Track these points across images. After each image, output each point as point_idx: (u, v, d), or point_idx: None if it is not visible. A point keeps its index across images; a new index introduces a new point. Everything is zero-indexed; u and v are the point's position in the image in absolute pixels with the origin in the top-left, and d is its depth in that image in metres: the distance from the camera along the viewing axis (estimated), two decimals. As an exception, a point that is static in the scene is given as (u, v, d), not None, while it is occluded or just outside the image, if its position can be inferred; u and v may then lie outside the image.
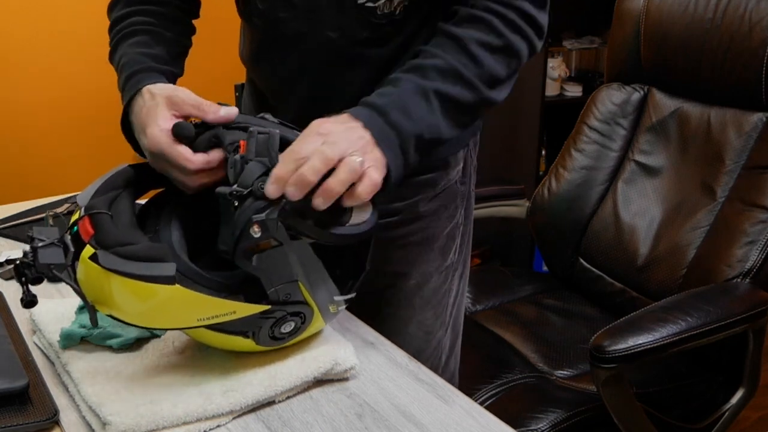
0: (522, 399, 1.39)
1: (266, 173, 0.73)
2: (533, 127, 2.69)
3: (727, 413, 1.43)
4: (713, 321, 1.27)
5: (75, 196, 1.32)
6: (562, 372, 1.48)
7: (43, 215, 1.27)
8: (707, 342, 1.28)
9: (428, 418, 0.77)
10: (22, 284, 0.74)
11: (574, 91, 2.85)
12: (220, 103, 0.81)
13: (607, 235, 1.69)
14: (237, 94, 2.57)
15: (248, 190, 0.72)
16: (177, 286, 0.70)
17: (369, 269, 0.85)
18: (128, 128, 0.89)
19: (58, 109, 2.41)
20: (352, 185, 0.74)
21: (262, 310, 0.76)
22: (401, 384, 0.83)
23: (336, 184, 0.72)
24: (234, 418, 0.77)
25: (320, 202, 0.72)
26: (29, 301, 0.74)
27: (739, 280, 1.40)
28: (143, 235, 0.77)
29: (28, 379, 0.77)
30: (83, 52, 2.37)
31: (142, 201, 0.86)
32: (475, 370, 1.47)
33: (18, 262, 0.73)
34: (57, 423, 0.75)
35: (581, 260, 1.75)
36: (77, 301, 0.91)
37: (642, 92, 1.73)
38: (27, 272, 0.73)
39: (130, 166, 0.83)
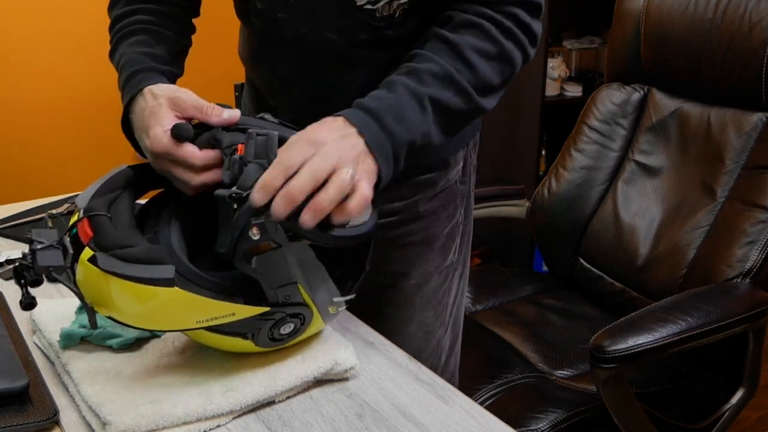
0: (522, 399, 1.39)
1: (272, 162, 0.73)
2: (533, 127, 2.69)
3: (727, 413, 1.43)
4: (713, 321, 1.28)
5: (75, 196, 1.32)
6: (562, 372, 1.48)
7: (43, 215, 1.28)
8: (707, 342, 1.28)
9: (428, 418, 0.77)
10: (21, 286, 0.74)
11: (574, 91, 2.85)
12: (222, 105, 0.81)
13: (607, 235, 1.69)
14: (237, 94, 2.57)
15: (247, 192, 0.72)
16: (176, 288, 0.70)
17: (369, 270, 0.85)
18: (128, 128, 0.89)
19: (58, 109, 2.41)
20: (344, 199, 0.73)
21: (261, 312, 0.76)
22: (401, 384, 0.83)
23: (325, 201, 0.72)
24: (234, 418, 0.77)
25: (308, 219, 0.71)
26: (28, 303, 0.74)
27: (739, 280, 1.40)
28: (142, 237, 0.76)
29: (28, 379, 0.77)
30: (83, 52, 2.37)
31: (142, 201, 0.86)
32: (475, 370, 1.47)
33: (17, 264, 0.73)
34: (57, 423, 0.75)
35: (581, 260, 1.75)
36: (77, 301, 0.91)
37: (642, 92, 1.73)
38: (26, 274, 0.73)
39: (129, 166, 0.83)
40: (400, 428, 0.76)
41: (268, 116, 0.83)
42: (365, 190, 0.74)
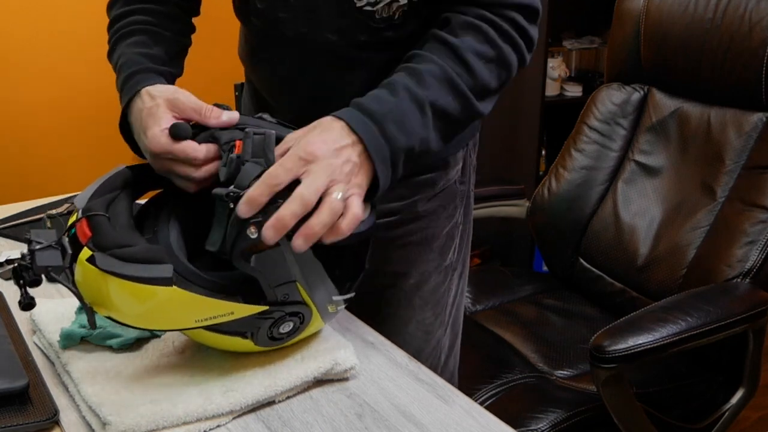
0: (522, 399, 1.39)
1: (262, 175, 0.73)
2: (533, 127, 2.69)
3: (727, 413, 1.43)
4: (713, 321, 1.28)
5: (75, 196, 1.32)
6: (562, 372, 1.48)
7: (43, 215, 1.28)
8: (707, 342, 1.28)
9: (428, 418, 0.77)
10: (20, 287, 0.74)
11: (574, 91, 2.85)
12: (220, 105, 0.81)
13: (607, 235, 1.69)
14: (237, 93, 2.57)
15: (244, 191, 0.72)
16: (174, 287, 0.70)
17: (368, 269, 0.85)
18: (126, 129, 0.89)
19: (58, 109, 2.41)
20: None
21: (260, 311, 0.76)
22: (401, 384, 0.83)
23: (317, 225, 0.71)
24: (234, 418, 0.77)
25: (300, 244, 0.71)
26: (27, 304, 0.74)
27: (739, 280, 1.40)
28: (141, 237, 0.77)
29: (28, 379, 0.77)
30: (83, 52, 2.37)
31: (141, 201, 0.86)
32: (475, 370, 1.47)
33: (16, 264, 0.73)
34: (57, 423, 0.75)
35: (581, 260, 1.75)
36: (77, 301, 0.90)
37: (642, 92, 1.73)
38: (25, 275, 0.73)
39: (127, 167, 0.83)
40: (400, 428, 0.76)
41: (266, 116, 0.83)
42: (357, 209, 0.74)
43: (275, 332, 0.79)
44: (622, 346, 1.18)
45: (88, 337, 0.86)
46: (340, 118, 0.78)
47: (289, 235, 0.73)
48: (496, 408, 1.31)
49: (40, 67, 2.34)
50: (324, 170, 0.73)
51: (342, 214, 0.73)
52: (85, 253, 0.71)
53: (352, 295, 0.84)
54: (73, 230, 0.74)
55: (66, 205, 1.33)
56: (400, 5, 0.90)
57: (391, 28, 0.92)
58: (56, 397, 0.78)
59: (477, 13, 0.86)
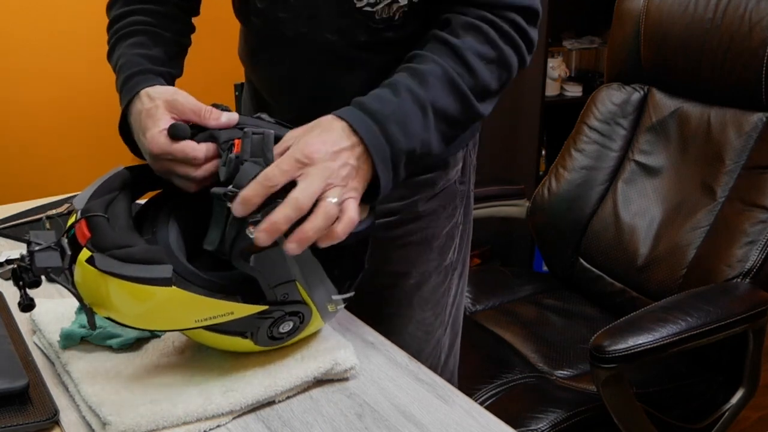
0: (522, 399, 1.39)
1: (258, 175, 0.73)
2: (533, 127, 2.69)
3: (727, 413, 1.43)
4: (713, 321, 1.28)
5: (75, 196, 1.32)
6: (562, 372, 1.48)
7: (44, 215, 1.28)
8: (707, 342, 1.28)
9: (428, 418, 0.77)
10: (19, 288, 0.74)
11: (574, 91, 2.85)
12: (218, 106, 0.81)
13: (607, 235, 1.69)
14: (237, 93, 2.57)
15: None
16: (174, 287, 0.70)
17: (367, 268, 0.85)
18: (125, 131, 0.89)
19: (58, 109, 2.41)
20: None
21: (260, 311, 0.76)
22: (401, 384, 0.83)
23: (311, 230, 0.71)
24: (234, 418, 0.77)
25: (294, 248, 0.71)
26: (27, 305, 0.74)
27: (739, 280, 1.40)
28: (140, 238, 0.76)
29: (28, 379, 0.77)
30: (83, 52, 2.37)
31: (141, 201, 0.86)
32: (475, 370, 1.47)
33: (15, 266, 0.73)
34: (57, 423, 0.75)
35: (581, 260, 1.75)
36: (77, 301, 0.91)
37: (642, 92, 1.73)
38: (24, 276, 0.73)
39: (126, 168, 0.83)
40: (400, 428, 0.76)
41: (264, 116, 0.83)
42: (352, 213, 0.73)
43: (275, 332, 0.79)
44: (622, 346, 1.18)
45: (88, 337, 0.86)
46: (341, 118, 0.78)
47: (288, 235, 0.73)
48: (496, 408, 1.31)
49: (40, 67, 2.34)
50: (321, 174, 0.72)
51: (338, 218, 0.73)
52: (85, 254, 0.71)
53: (351, 294, 0.84)
54: (72, 231, 0.74)
55: (66, 205, 1.33)
56: (401, 6, 0.90)
57: (391, 29, 0.91)
58: (56, 397, 0.78)
59: (477, 14, 0.86)
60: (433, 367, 1.10)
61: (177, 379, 0.80)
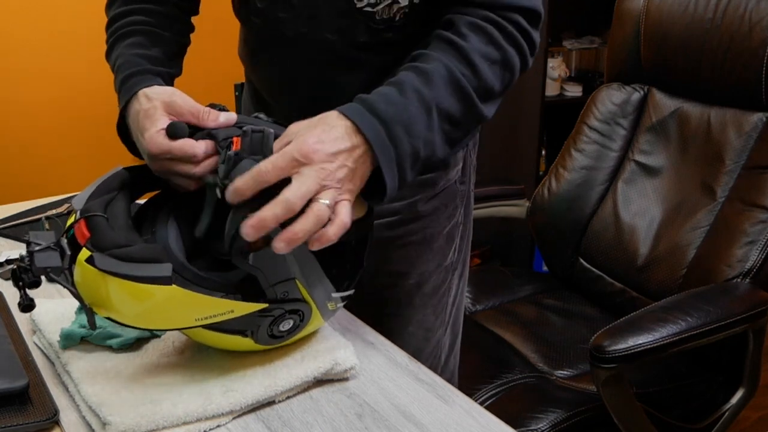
0: (522, 399, 1.39)
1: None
2: (533, 127, 2.69)
3: (727, 413, 1.43)
4: (713, 321, 1.28)
5: (74, 196, 1.32)
6: (562, 372, 1.48)
7: (44, 215, 1.28)
8: (707, 342, 1.28)
9: (428, 418, 0.77)
10: (19, 288, 0.74)
11: (574, 91, 2.85)
12: (215, 105, 0.81)
13: (607, 235, 1.69)
14: (237, 93, 2.57)
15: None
16: (174, 286, 0.70)
17: (366, 266, 0.85)
18: (124, 131, 0.89)
19: (58, 109, 2.41)
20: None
21: (260, 309, 0.76)
22: (401, 384, 0.83)
23: (300, 231, 0.70)
24: (234, 418, 0.77)
25: (282, 247, 0.70)
26: (27, 306, 0.74)
27: (739, 280, 1.40)
28: (139, 237, 0.77)
29: (28, 379, 0.77)
30: (83, 52, 2.37)
31: (140, 201, 0.86)
32: (475, 370, 1.47)
33: (15, 266, 0.73)
34: (57, 423, 0.75)
35: (581, 260, 1.75)
36: (77, 301, 0.91)
37: (642, 92, 1.73)
38: (24, 276, 0.73)
39: (124, 168, 0.83)
40: (400, 428, 0.76)
41: (262, 116, 0.83)
42: (344, 216, 0.73)
43: (275, 330, 0.79)
44: (622, 346, 1.18)
45: (88, 337, 0.86)
46: (347, 117, 0.77)
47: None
48: (496, 408, 1.31)
49: (39, 67, 2.34)
50: (315, 174, 0.72)
51: (330, 220, 0.72)
52: (84, 253, 0.71)
53: (351, 292, 0.84)
54: (71, 231, 0.74)
55: (66, 205, 1.33)
56: (401, 7, 0.90)
57: (391, 30, 0.91)
58: (56, 397, 0.78)
59: (481, 14, 0.85)
60: (434, 367, 1.10)
61: (177, 379, 0.80)
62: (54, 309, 0.92)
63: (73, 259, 0.72)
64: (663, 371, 1.46)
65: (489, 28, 0.85)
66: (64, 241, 0.74)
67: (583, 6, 2.90)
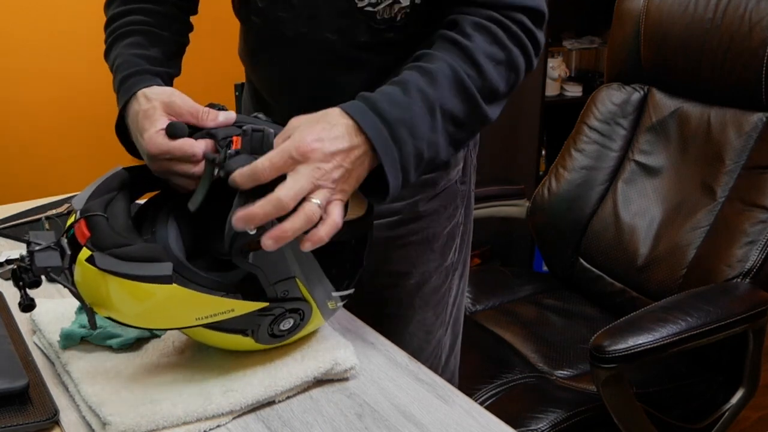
0: (522, 399, 1.39)
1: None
2: (533, 127, 2.69)
3: (727, 413, 1.43)
4: (713, 321, 1.28)
5: (74, 195, 1.33)
6: (562, 372, 1.48)
7: (44, 215, 1.28)
8: (707, 342, 1.28)
9: (428, 418, 0.77)
10: (19, 288, 0.74)
11: (574, 91, 2.85)
12: (214, 105, 0.81)
13: (607, 235, 1.69)
14: (237, 93, 2.57)
15: (233, 161, 0.72)
16: (174, 285, 0.70)
17: (367, 266, 0.85)
18: (123, 131, 0.89)
19: (58, 109, 2.41)
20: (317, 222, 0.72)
21: (260, 307, 0.76)
22: (401, 384, 0.83)
23: (290, 230, 0.70)
24: (234, 418, 0.77)
25: (270, 244, 0.70)
26: (27, 306, 0.74)
27: (739, 280, 1.40)
28: (139, 237, 0.77)
29: (28, 379, 0.77)
30: (83, 51, 2.37)
31: (141, 201, 0.86)
32: (475, 370, 1.47)
33: (15, 266, 0.73)
34: (57, 423, 0.75)
35: (581, 260, 1.75)
36: (77, 301, 0.91)
37: (642, 92, 1.73)
38: (24, 276, 0.73)
39: (124, 168, 0.83)
40: (400, 428, 0.76)
41: (261, 116, 0.83)
42: (336, 216, 0.72)
43: (276, 329, 0.79)
44: (622, 346, 1.18)
45: (88, 337, 0.86)
46: (349, 116, 0.76)
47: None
48: (496, 408, 1.31)
49: (39, 67, 2.34)
50: (310, 174, 0.72)
51: (321, 220, 0.72)
52: (84, 253, 0.71)
53: (351, 291, 0.84)
54: (71, 231, 0.74)
55: (66, 205, 1.33)
56: (402, 7, 0.90)
57: (392, 30, 0.91)
58: (56, 397, 0.78)
59: (485, 14, 0.85)
60: (434, 368, 1.10)
61: (177, 379, 0.80)
62: (54, 309, 0.92)
63: (73, 258, 0.72)
64: (663, 371, 1.46)
65: (493, 28, 0.84)
66: (65, 241, 0.74)
67: (583, 6, 2.90)
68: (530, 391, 1.41)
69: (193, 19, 1.04)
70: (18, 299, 0.75)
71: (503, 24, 0.85)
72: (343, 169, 0.74)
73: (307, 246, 0.71)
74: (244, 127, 0.75)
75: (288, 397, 0.80)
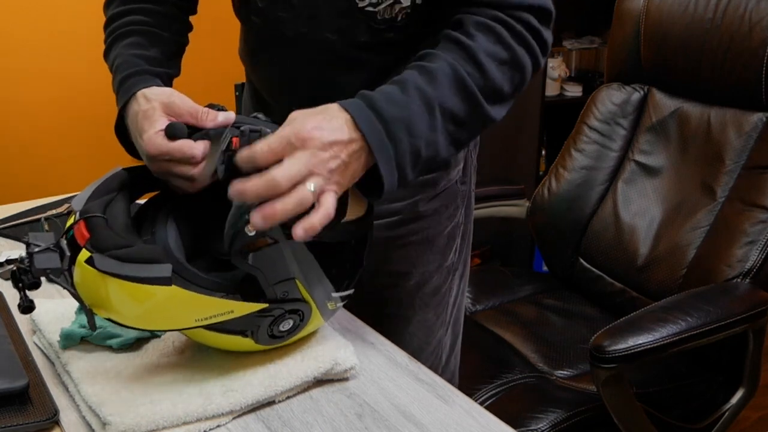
0: (522, 399, 1.39)
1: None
2: (533, 127, 2.69)
3: (727, 413, 1.43)
4: (713, 321, 1.28)
5: (75, 196, 1.33)
6: (562, 372, 1.48)
7: (44, 215, 1.28)
8: (707, 342, 1.28)
9: (428, 418, 0.77)
10: (19, 290, 0.74)
11: (574, 91, 2.85)
12: (214, 106, 0.81)
13: (607, 235, 1.69)
14: (237, 93, 2.57)
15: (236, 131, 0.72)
16: (174, 286, 0.70)
17: (367, 266, 0.85)
18: (122, 131, 0.89)
19: (58, 109, 2.41)
20: (311, 208, 0.71)
21: (260, 309, 0.76)
22: (401, 384, 0.83)
23: (279, 210, 0.69)
24: (234, 418, 0.77)
25: (258, 222, 0.69)
26: (26, 307, 0.74)
27: (739, 280, 1.40)
28: (139, 238, 0.77)
29: (28, 379, 0.77)
30: (83, 51, 2.37)
31: (141, 201, 0.86)
32: (475, 370, 1.47)
33: (14, 268, 0.73)
34: (57, 423, 0.75)
35: (581, 260, 1.75)
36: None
37: (642, 92, 1.73)
38: (24, 278, 0.73)
39: (124, 169, 0.83)
40: (400, 428, 0.76)
41: (260, 116, 0.83)
42: (329, 206, 0.72)
43: (275, 330, 0.79)
44: (622, 346, 1.18)
45: (88, 337, 0.86)
46: (347, 110, 0.76)
47: (287, 233, 0.73)
48: (496, 408, 1.31)
49: (40, 67, 2.34)
50: (307, 159, 0.71)
51: (314, 208, 0.71)
52: (84, 254, 0.71)
53: (351, 291, 0.84)
54: (71, 232, 0.74)
55: (65, 206, 1.33)
56: (403, 7, 0.89)
57: (392, 30, 0.91)
58: (56, 397, 0.78)
59: (490, 14, 0.85)
60: (434, 368, 1.10)
61: (177, 379, 0.80)
62: (54, 309, 0.92)
63: (72, 260, 0.72)
64: (663, 371, 1.46)
65: (497, 27, 0.84)
66: (64, 242, 0.73)
67: (583, 6, 2.90)
68: (530, 391, 1.41)
69: (193, 19, 1.04)
70: (18, 299, 0.75)
71: (507, 24, 0.84)
72: (339, 161, 0.74)
73: (299, 233, 0.70)
74: (242, 128, 0.75)
75: (288, 397, 0.80)
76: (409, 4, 0.89)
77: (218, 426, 0.75)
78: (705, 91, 1.60)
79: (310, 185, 0.71)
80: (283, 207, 0.69)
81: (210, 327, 0.75)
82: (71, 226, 0.74)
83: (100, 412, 0.74)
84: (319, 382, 0.82)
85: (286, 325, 0.80)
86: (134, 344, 0.86)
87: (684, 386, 1.45)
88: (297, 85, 0.98)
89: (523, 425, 1.30)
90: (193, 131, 0.80)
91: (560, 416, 1.32)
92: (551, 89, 2.79)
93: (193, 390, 0.77)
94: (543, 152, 2.81)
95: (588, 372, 1.42)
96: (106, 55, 0.96)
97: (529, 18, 0.85)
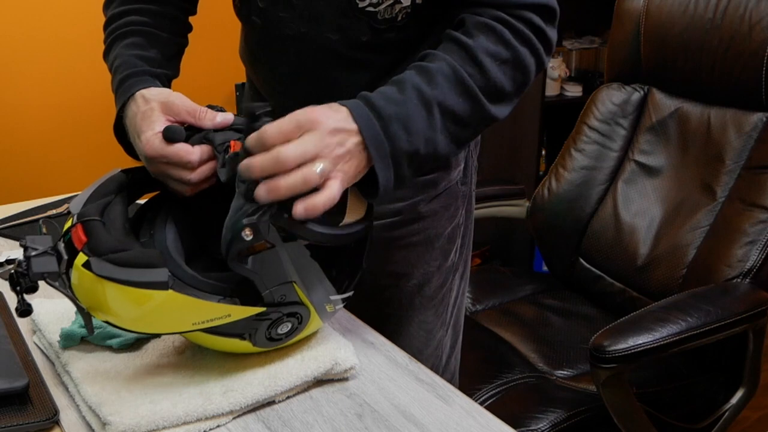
0: (522, 399, 1.39)
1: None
2: (533, 127, 2.69)
3: (727, 413, 1.43)
4: (713, 321, 1.28)
5: (74, 196, 1.32)
6: (562, 372, 1.48)
7: (44, 215, 1.28)
8: (707, 342, 1.28)
9: (428, 418, 0.77)
10: (16, 293, 0.74)
11: (574, 91, 2.85)
12: (213, 107, 0.81)
13: (607, 235, 1.69)
14: (237, 93, 2.57)
15: (246, 184, 0.72)
16: (171, 291, 0.70)
17: (367, 267, 0.85)
18: (121, 132, 0.89)
19: (58, 111, 2.41)
20: (314, 190, 0.71)
21: (257, 313, 0.76)
22: (401, 384, 0.83)
23: (283, 185, 0.70)
24: (234, 418, 0.77)
25: (263, 194, 0.70)
26: (24, 311, 0.74)
27: (739, 280, 1.40)
28: (136, 241, 0.76)
29: (28, 379, 0.77)
30: (83, 53, 2.37)
31: (141, 201, 0.86)
32: (475, 370, 1.47)
33: (12, 271, 0.73)
34: (57, 423, 0.75)
35: (581, 260, 1.75)
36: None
37: (642, 92, 1.73)
38: (21, 281, 0.72)
39: (122, 171, 0.83)
40: (400, 428, 0.76)
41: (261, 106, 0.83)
42: (334, 190, 0.72)
43: (273, 333, 0.79)
44: (622, 346, 1.18)
45: (88, 337, 0.86)
46: (347, 108, 0.77)
47: (285, 237, 0.73)
48: (496, 408, 1.31)
49: (40, 68, 2.34)
50: (316, 141, 0.72)
51: (318, 190, 0.71)
52: (81, 258, 0.70)
53: (350, 294, 0.84)
54: (68, 236, 0.73)
55: (65, 206, 1.33)
56: (403, 7, 0.89)
57: (393, 30, 0.91)
58: (56, 397, 0.78)
59: (492, 14, 0.85)
60: (435, 368, 1.10)
61: (177, 379, 0.80)
62: (54, 309, 0.92)
63: (70, 263, 0.72)
64: (663, 371, 1.46)
65: (499, 27, 0.84)
66: (61, 246, 0.73)
67: (583, 6, 2.90)
68: (530, 391, 1.41)
69: (193, 19, 1.04)
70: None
71: (509, 23, 0.84)
72: (345, 149, 0.74)
73: (300, 210, 0.70)
74: (242, 130, 0.75)
75: (288, 397, 0.80)
76: (409, 3, 0.89)
77: (218, 426, 0.75)
78: (705, 91, 1.60)
79: (317, 167, 0.71)
80: (287, 182, 0.70)
81: (207, 330, 0.75)
82: (68, 230, 0.74)
83: (100, 412, 0.74)
84: (319, 382, 0.82)
85: (284, 328, 0.79)
86: (134, 344, 0.86)
87: (684, 386, 1.45)
88: (298, 85, 0.98)
89: (523, 425, 1.30)
90: (192, 132, 0.80)
91: (560, 416, 1.32)
92: (551, 89, 2.79)
93: (193, 390, 0.77)
94: (543, 152, 2.81)
95: (588, 372, 1.42)
96: (106, 55, 0.96)
97: (532, 17, 0.85)
